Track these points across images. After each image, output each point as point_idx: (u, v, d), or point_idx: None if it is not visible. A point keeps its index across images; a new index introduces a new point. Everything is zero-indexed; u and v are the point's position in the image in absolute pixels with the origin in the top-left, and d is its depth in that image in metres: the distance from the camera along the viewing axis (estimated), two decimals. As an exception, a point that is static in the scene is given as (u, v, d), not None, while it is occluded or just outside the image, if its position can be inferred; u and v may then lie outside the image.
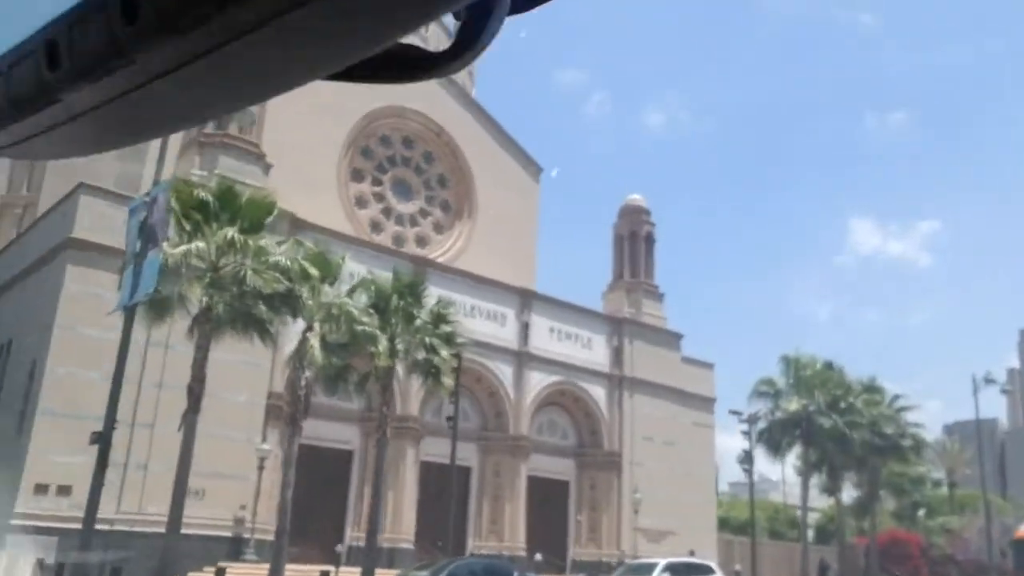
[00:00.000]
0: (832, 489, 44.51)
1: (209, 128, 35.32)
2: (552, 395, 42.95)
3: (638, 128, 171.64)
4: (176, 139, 37.68)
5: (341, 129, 43.70)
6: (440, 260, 44.44)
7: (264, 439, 31.82)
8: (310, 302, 24.25)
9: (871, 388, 43.97)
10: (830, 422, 39.94)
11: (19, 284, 33.11)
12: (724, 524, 60.04)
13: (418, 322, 27.32)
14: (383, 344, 25.74)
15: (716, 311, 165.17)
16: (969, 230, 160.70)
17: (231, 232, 21.87)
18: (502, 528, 38.95)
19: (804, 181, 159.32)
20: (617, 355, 45.49)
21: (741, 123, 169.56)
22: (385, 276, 28.39)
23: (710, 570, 29.51)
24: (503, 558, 36.58)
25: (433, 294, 39.31)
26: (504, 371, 41.07)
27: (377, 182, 46.27)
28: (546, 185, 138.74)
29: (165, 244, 21.43)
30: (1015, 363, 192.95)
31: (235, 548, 30.43)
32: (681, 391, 46.82)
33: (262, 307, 22.61)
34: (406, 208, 47.02)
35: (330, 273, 25.61)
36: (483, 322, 41.06)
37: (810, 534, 64.16)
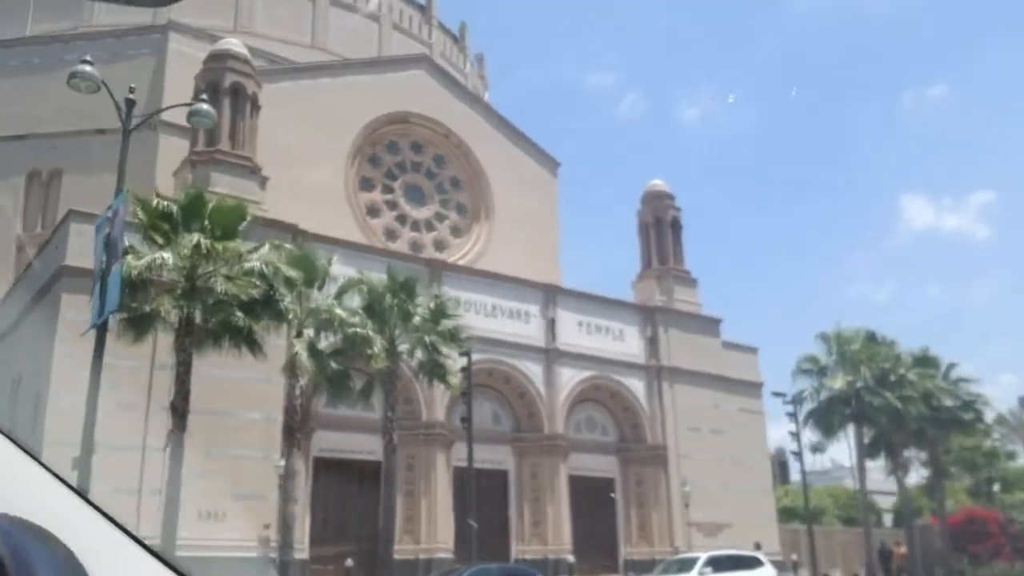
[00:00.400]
0: (893, 468, 41.64)
1: (200, 145, 34.66)
2: (587, 391, 41.14)
3: (674, 123, 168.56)
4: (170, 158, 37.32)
5: (343, 140, 42.84)
6: (460, 263, 43.18)
7: (283, 455, 30.66)
8: (295, 307, 23.05)
9: (923, 360, 40.90)
10: (880, 398, 37.15)
11: (24, 320, 32.81)
12: (794, 514, 57.46)
13: (416, 320, 25.87)
14: (379, 345, 24.38)
15: (766, 300, 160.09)
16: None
17: (196, 238, 20.76)
18: (545, 531, 37.17)
19: (848, 165, 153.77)
20: (652, 345, 43.51)
21: (778, 114, 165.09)
22: (378, 276, 26.97)
23: (757, 562, 27.41)
24: (546, 562, 34.93)
25: (449, 295, 38.36)
26: (533, 370, 39.44)
27: (388, 190, 45.25)
28: (579, 182, 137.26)
29: (130, 257, 20.54)
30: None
31: (262, 569, 29.28)
32: (724, 377, 44.54)
33: (239, 315, 21.40)
34: (420, 214, 45.87)
35: (316, 276, 24.42)
36: (506, 321, 39.57)
37: (888, 518, 61.00)
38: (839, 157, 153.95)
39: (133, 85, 21.32)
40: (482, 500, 36.37)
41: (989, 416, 44.32)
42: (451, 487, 35.30)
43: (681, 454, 41.71)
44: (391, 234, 44.28)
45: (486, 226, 46.95)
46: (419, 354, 26.31)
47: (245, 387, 28.96)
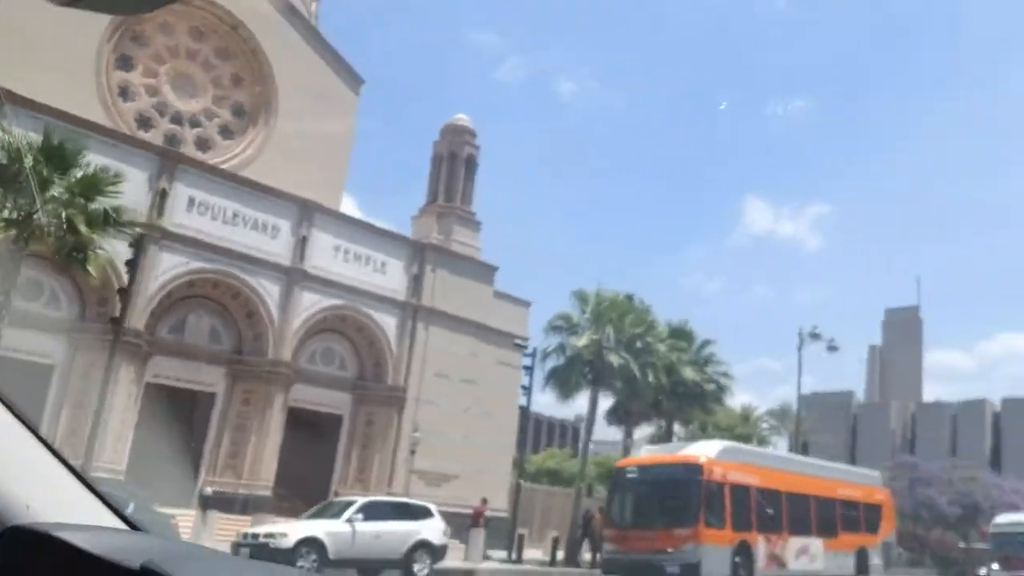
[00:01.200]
0: (625, 435, 40.76)
1: None
2: (330, 320, 38.10)
3: (548, 95, 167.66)
4: None
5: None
6: (225, 167, 39.20)
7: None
8: None
9: (678, 332, 39.98)
10: (621, 361, 35.81)
11: None
12: (558, 477, 57.00)
13: (57, 191, 21.96)
14: (-9, 212, 20.46)
15: (610, 281, 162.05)
16: (854, 213, 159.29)
17: None
18: (242, 464, 34.08)
19: (706, 163, 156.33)
20: (416, 283, 40.83)
21: (652, 103, 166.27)
22: (24, 134, 22.85)
23: (426, 512, 25.19)
24: (235, 497, 31.96)
25: (182, 193, 34.44)
26: (269, 289, 36.02)
27: (151, 73, 40.51)
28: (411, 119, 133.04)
29: None
30: (879, 341, 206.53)
31: None
32: (488, 327, 42.43)
33: None
34: (187, 106, 41.38)
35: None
36: (247, 232, 35.93)
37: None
38: (700, 158, 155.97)
39: None
40: (180, 424, 33.03)
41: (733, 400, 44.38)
42: (138, 409, 31.60)
43: (424, 399, 39.39)
44: (145, 122, 39.70)
45: (263, 132, 42.91)
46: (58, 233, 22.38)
47: None
